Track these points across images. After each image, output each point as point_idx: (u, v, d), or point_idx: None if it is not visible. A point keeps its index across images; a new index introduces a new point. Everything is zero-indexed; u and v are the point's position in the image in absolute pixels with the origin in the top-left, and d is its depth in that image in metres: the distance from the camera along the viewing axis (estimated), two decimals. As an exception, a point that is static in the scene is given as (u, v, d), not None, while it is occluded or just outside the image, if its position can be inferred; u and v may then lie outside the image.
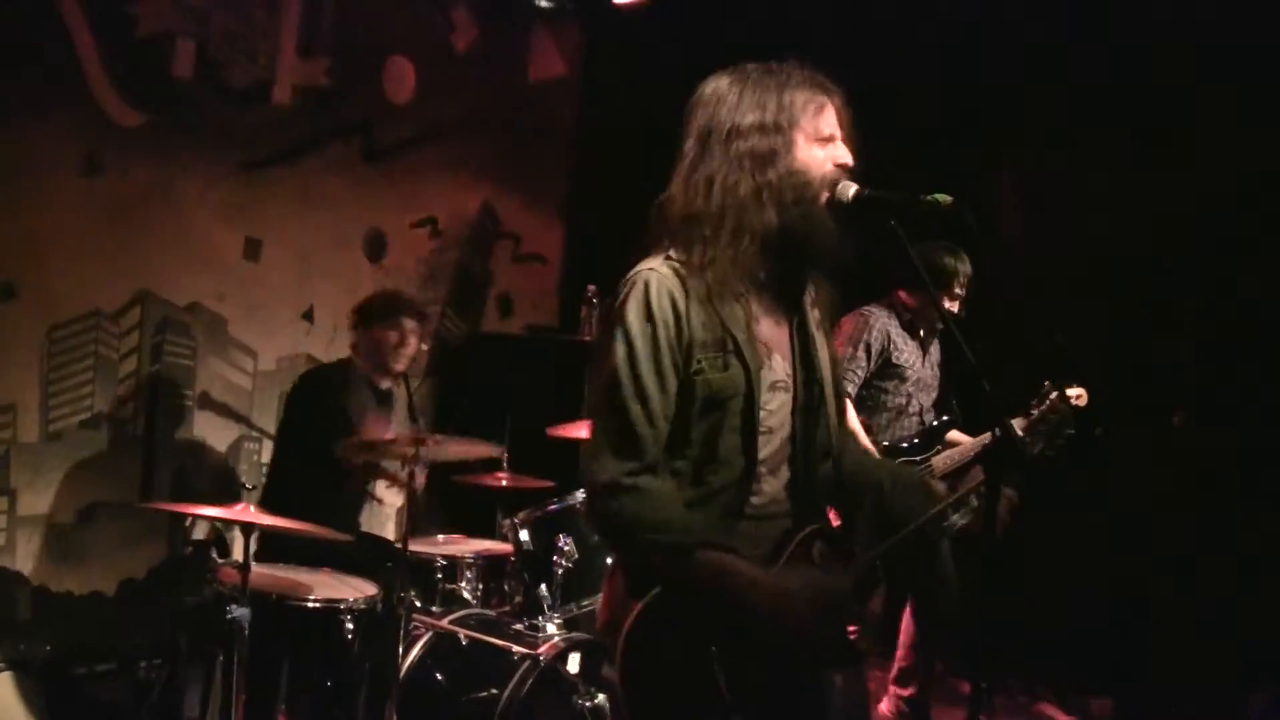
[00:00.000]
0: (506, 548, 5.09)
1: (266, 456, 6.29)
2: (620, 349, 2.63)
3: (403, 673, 4.45)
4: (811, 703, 2.77)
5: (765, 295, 2.77)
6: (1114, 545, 6.62)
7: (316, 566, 4.78)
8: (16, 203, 5.35)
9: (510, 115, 7.42)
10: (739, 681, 2.58)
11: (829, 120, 2.77)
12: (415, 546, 4.93)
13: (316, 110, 6.44)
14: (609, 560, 2.84)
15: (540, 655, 4.44)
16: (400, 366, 5.60)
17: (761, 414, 2.70)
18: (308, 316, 6.46)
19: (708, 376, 2.65)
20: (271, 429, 6.26)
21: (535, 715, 4.42)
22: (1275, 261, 6.08)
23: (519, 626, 4.70)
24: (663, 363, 2.62)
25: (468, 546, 5.34)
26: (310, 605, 4.42)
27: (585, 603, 4.71)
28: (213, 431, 6.10)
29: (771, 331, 2.78)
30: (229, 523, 5.12)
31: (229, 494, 6.03)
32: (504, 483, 5.42)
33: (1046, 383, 5.65)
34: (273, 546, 4.87)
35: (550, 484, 5.46)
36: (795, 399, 2.78)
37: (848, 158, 2.78)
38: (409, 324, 5.56)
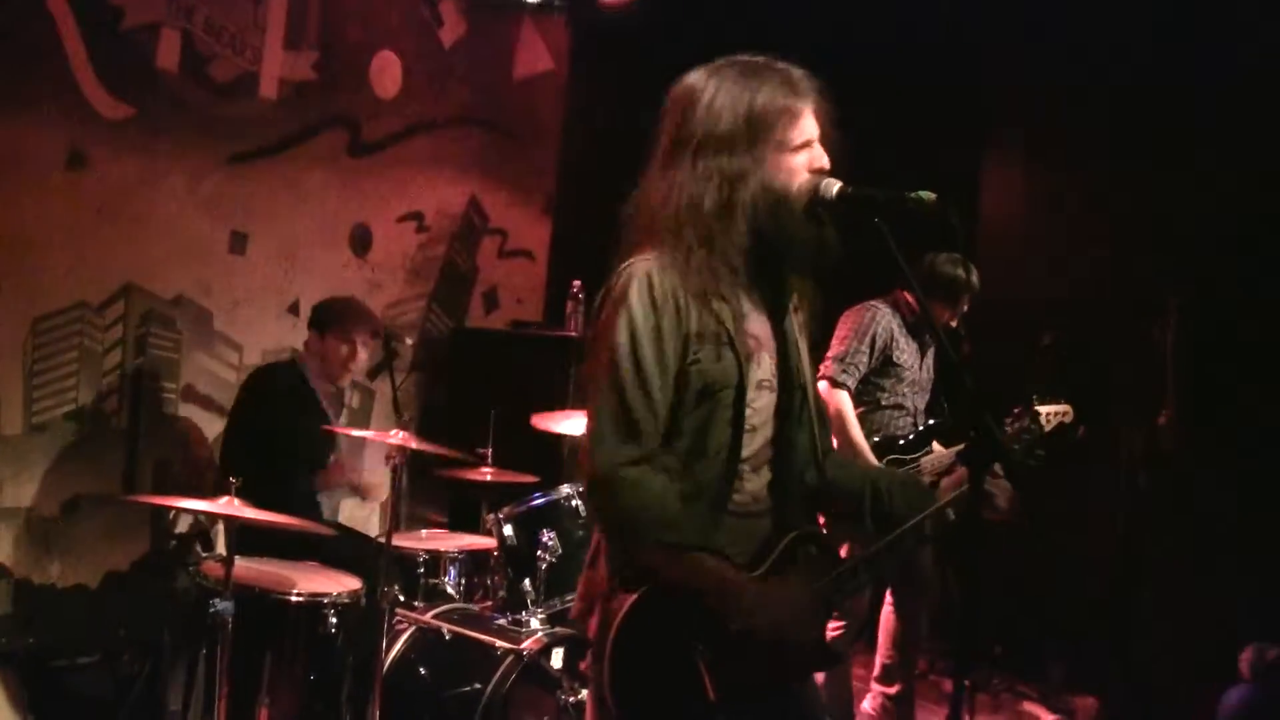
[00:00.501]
0: (490, 542, 5.09)
1: (251, 450, 6.28)
2: (624, 336, 2.61)
3: (386, 667, 4.44)
4: (794, 701, 2.79)
5: (752, 294, 2.78)
6: (1100, 544, 6.64)
7: (300, 560, 4.78)
8: (1, 194, 5.33)
9: (497, 111, 7.42)
10: (724, 679, 2.58)
11: (804, 127, 2.75)
12: (399, 541, 4.93)
13: (303, 104, 6.43)
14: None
15: (524, 650, 4.44)
16: (344, 381, 5.65)
17: (747, 410, 2.71)
18: (293, 310, 6.44)
19: (703, 366, 2.65)
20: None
21: (518, 710, 4.43)
22: (1275, 261, 6.10)
23: (502, 621, 4.70)
24: (665, 351, 2.62)
25: (451, 541, 5.34)
26: (293, 599, 4.41)
27: (569, 597, 4.71)
28: (197, 425, 6.09)
29: (758, 330, 2.78)
30: (212, 516, 5.11)
31: (212, 488, 6.03)
32: (488, 478, 5.42)
33: (1034, 397, 5.67)
34: (252, 540, 4.86)
35: (534, 479, 5.46)
36: (779, 400, 2.79)
37: (824, 161, 2.76)
38: (361, 338, 5.53)
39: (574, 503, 4.93)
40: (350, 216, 6.76)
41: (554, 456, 6.05)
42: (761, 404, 2.75)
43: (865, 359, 5.51)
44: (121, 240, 5.74)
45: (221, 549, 4.14)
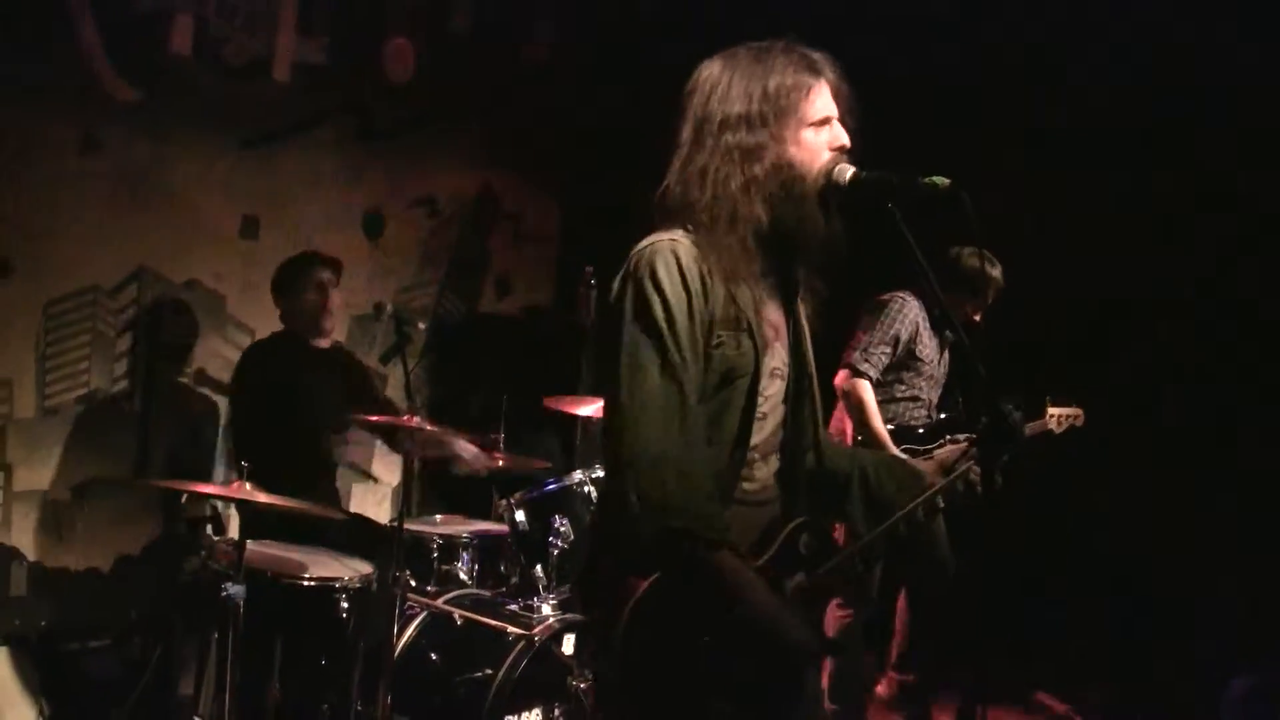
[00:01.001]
0: (502, 528, 5.09)
1: (262, 434, 6.29)
2: (659, 312, 2.56)
3: (397, 652, 4.45)
4: (799, 688, 2.78)
5: (767, 280, 2.77)
6: (1112, 534, 6.63)
7: (311, 545, 4.78)
8: (14, 179, 5.33)
9: (509, 96, 7.40)
10: (732, 668, 2.58)
11: (821, 103, 2.74)
12: (411, 526, 4.93)
13: (315, 89, 6.42)
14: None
15: (535, 636, 4.44)
16: (330, 323, 5.66)
17: (759, 399, 2.69)
18: (305, 295, 6.43)
19: (726, 352, 2.63)
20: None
21: (530, 695, 4.43)
22: (1275, 261, 6.08)
23: (514, 607, 4.70)
24: (696, 332, 2.59)
25: (464, 527, 5.34)
26: (305, 584, 4.42)
27: (581, 583, 4.71)
28: (209, 409, 6.09)
29: (774, 317, 2.78)
30: (224, 500, 5.11)
31: (224, 471, 6.05)
32: (500, 463, 5.41)
33: (1047, 398, 5.66)
34: (263, 523, 4.87)
35: (547, 465, 5.46)
36: (788, 387, 2.79)
37: (844, 139, 2.75)
38: (324, 275, 5.60)
39: (586, 489, 4.92)
40: (362, 202, 6.75)
41: (566, 442, 6.05)
42: (773, 391, 2.75)
43: (889, 350, 5.48)
44: (134, 224, 5.74)
45: (233, 533, 4.13)
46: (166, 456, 5.90)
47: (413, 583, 4.79)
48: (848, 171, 2.70)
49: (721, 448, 2.65)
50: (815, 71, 2.75)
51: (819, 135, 2.73)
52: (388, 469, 6.67)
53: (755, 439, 2.70)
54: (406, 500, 4.80)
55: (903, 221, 2.67)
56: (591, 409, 5.47)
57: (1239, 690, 5.11)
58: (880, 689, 5.93)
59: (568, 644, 4.51)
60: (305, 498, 4.45)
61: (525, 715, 4.44)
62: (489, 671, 4.40)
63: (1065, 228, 6.53)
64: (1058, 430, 5.66)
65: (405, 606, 4.57)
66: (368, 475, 5.85)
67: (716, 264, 2.64)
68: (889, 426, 5.44)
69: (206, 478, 5.94)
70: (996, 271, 5.56)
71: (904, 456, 5.17)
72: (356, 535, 4.98)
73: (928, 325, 5.57)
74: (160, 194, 5.82)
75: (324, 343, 5.65)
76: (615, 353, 2.60)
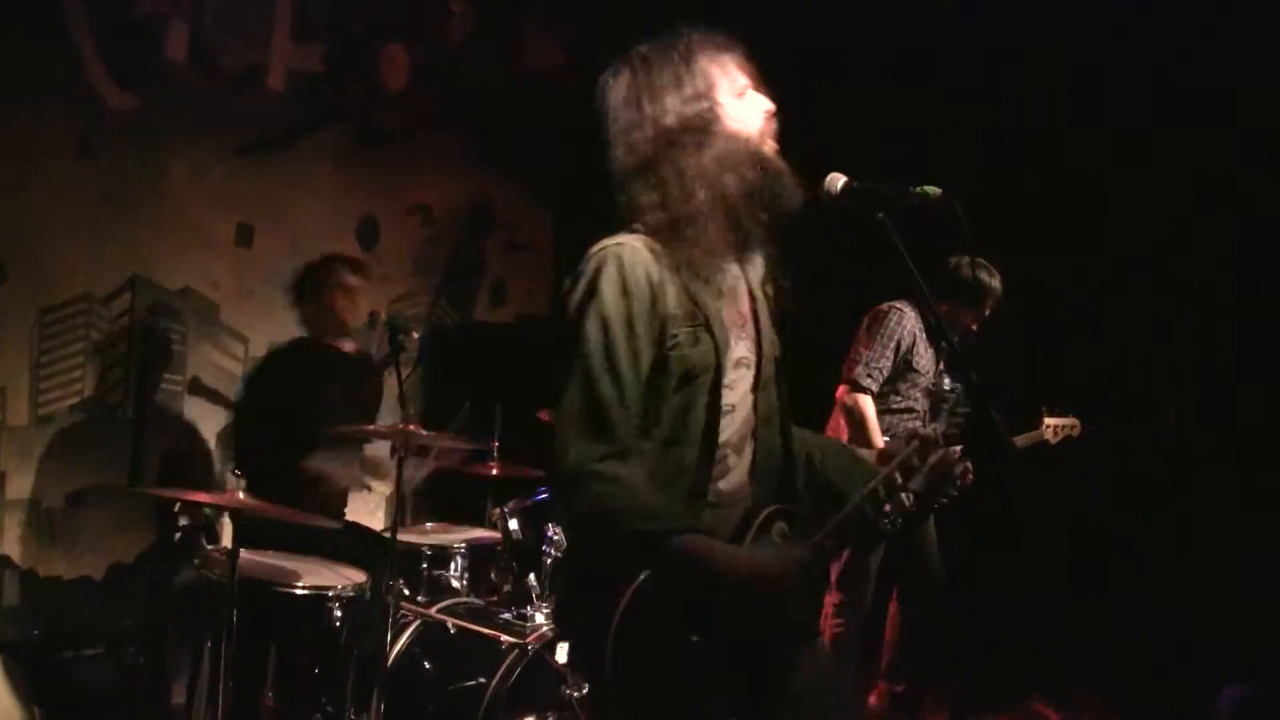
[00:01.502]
0: (495, 536, 5.08)
1: (257, 442, 6.29)
2: (593, 327, 2.58)
3: (390, 661, 4.44)
4: (797, 681, 2.75)
5: (728, 270, 2.76)
6: (1105, 540, 6.63)
7: (305, 554, 4.77)
8: (8, 185, 5.33)
9: (505, 104, 7.40)
10: (725, 663, 2.57)
11: (738, 73, 2.78)
12: (404, 535, 4.92)
13: (311, 96, 6.42)
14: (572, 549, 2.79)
15: (528, 644, 4.44)
16: (359, 320, 5.70)
17: (725, 392, 2.69)
18: (300, 303, 6.43)
19: (684, 352, 2.62)
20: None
21: (523, 704, 4.42)
22: (1274, 259, 6.09)
23: (507, 615, 4.69)
24: (638, 342, 2.58)
25: (457, 535, 5.33)
26: (298, 592, 4.41)
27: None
28: (203, 417, 6.08)
29: (735, 307, 2.77)
30: (218, 508, 5.10)
31: (218, 480, 6.04)
32: (494, 471, 5.41)
33: (1043, 409, 5.65)
34: (257, 532, 4.86)
35: (540, 473, 5.45)
36: (756, 376, 2.78)
37: (768, 103, 2.78)
38: (344, 277, 5.58)
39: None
40: (357, 209, 6.75)
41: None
42: (739, 383, 2.74)
43: (889, 363, 5.47)
44: (128, 231, 5.74)
45: (226, 541, 4.13)
46: (160, 464, 5.89)
47: (406, 591, 4.78)
48: (839, 181, 2.71)
49: (686, 447, 2.64)
50: (727, 46, 2.80)
51: (745, 103, 2.76)
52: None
53: (725, 434, 2.69)
54: (400, 509, 4.79)
55: (894, 232, 2.67)
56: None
57: (1232, 698, 5.11)
58: (871, 699, 5.93)
59: (561, 653, 4.50)
60: (312, 508, 4.45)
61: (518, 724, 4.44)
62: (482, 680, 4.39)
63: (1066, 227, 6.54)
64: (1054, 441, 5.65)
65: (398, 615, 4.57)
66: (362, 485, 5.84)
67: (673, 262, 2.64)
68: (884, 438, 5.43)
69: (200, 486, 5.93)
70: (995, 282, 5.55)
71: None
72: (349, 543, 4.97)
73: (924, 336, 5.56)
74: (155, 201, 5.82)
75: (348, 345, 5.64)
76: (564, 363, 2.62)
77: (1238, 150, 6.18)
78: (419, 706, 4.50)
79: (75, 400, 5.62)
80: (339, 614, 4.45)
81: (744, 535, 2.68)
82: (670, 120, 2.71)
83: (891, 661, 5.87)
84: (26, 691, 4.87)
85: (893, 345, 5.46)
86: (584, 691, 4.32)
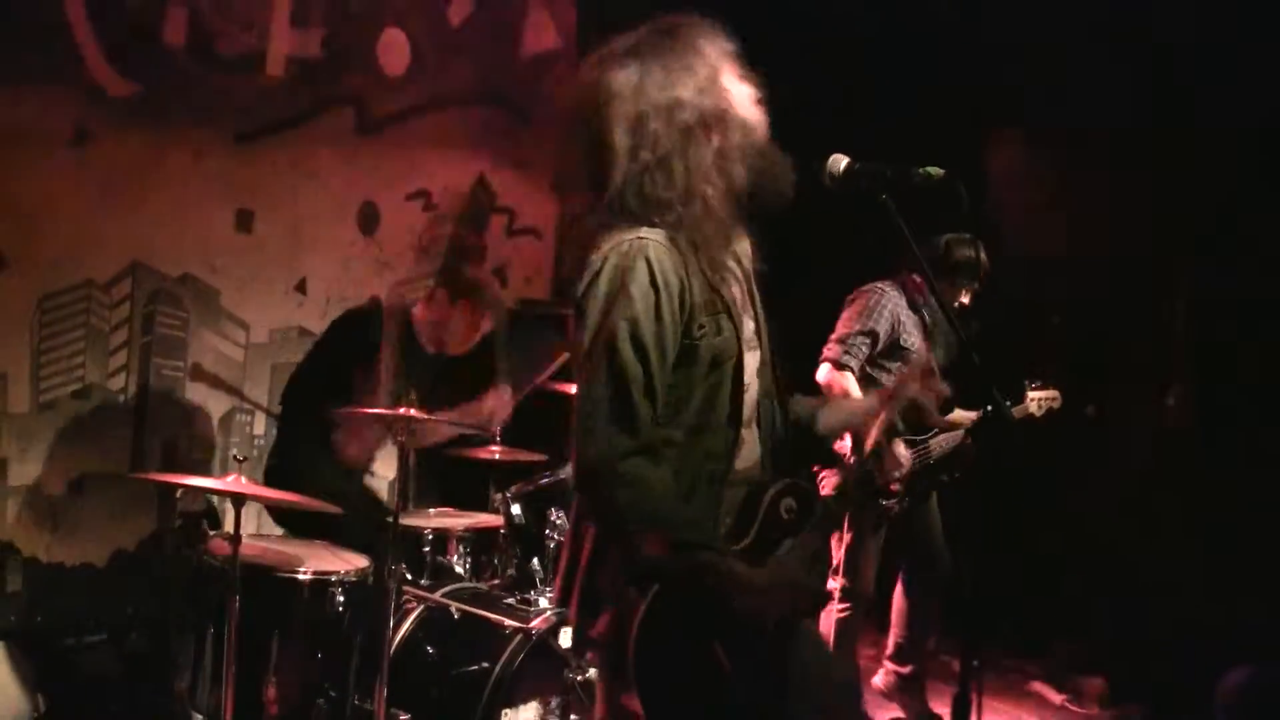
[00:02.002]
0: (498, 521, 5.08)
1: (259, 429, 6.28)
2: (623, 320, 2.56)
3: (394, 646, 4.44)
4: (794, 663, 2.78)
5: (730, 254, 2.77)
6: (1107, 525, 6.64)
7: (308, 538, 4.78)
8: (7, 172, 5.32)
9: (505, 89, 7.38)
10: (740, 663, 2.59)
11: (732, 66, 2.78)
12: (407, 520, 4.92)
13: (310, 81, 6.40)
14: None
15: (532, 629, 4.44)
16: (454, 350, 5.51)
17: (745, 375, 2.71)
18: (300, 289, 6.43)
19: (710, 340, 2.63)
20: (264, 401, 6.26)
21: (526, 689, 4.43)
22: (1273, 254, 6.09)
23: (511, 600, 4.69)
24: (665, 335, 2.58)
25: (460, 520, 5.33)
26: (301, 577, 4.41)
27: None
28: (204, 403, 6.08)
29: (738, 289, 2.78)
30: (220, 494, 5.11)
31: (220, 466, 6.04)
32: (497, 456, 5.40)
33: (1026, 382, 5.65)
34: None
35: (543, 458, 5.45)
36: (760, 355, 2.80)
37: (756, 90, 2.78)
38: (487, 318, 5.48)
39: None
40: (357, 194, 6.73)
41: (563, 435, 6.03)
42: (749, 362, 2.75)
43: (868, 341, 5.45)
44: (128, 218, 5.73)
45: (229, 527, 4.12)
46: (162, 451, 5.89)
47: (409, 576, 4.78)
48: (842, 162, 2.71)
49: (715, 431, 2.66)
50: (719, 34, 2.79)
51: (740, 85, 2.76)
52: (383, 462, 6.65)
53: (744, 414, 2.72)
54: (403, 493, 4.79)
55: (898, 213, 2.67)
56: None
57: (1235, 682, 5.10)
58: (877, 680, 5.94)
59: (564, 637, 4.50)
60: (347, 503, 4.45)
61: (522, 708, 4.44)
62: (486, 665, 4.39)
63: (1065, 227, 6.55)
64: (1038, 414, 5.65)
65: (402, 600, 4.57)
66: (365, 470, 5.84)
67: (693, 251, 2.64)
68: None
69: (202, 472, 5.93)
70: (982, 255, 5.52)
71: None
72: (352, 528, 4.97)
73: (910, 314, 5.56)
74: (154, 188, 5.81)
75: (433, 347, 5.53)
76: (587, 363, 2.60)
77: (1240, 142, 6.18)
78: (422, 692, 4.50)
79: (76, 387, 5.61)
80: (342, 600, 4.45)
81: (752, 518, 2.69)
82: (686, 112, 2.67)
83: (898, 644, 5.88)
84: (29, 678, 4.89)
85: (870, 324, 5.44)
86: (588, 675, 4.33)
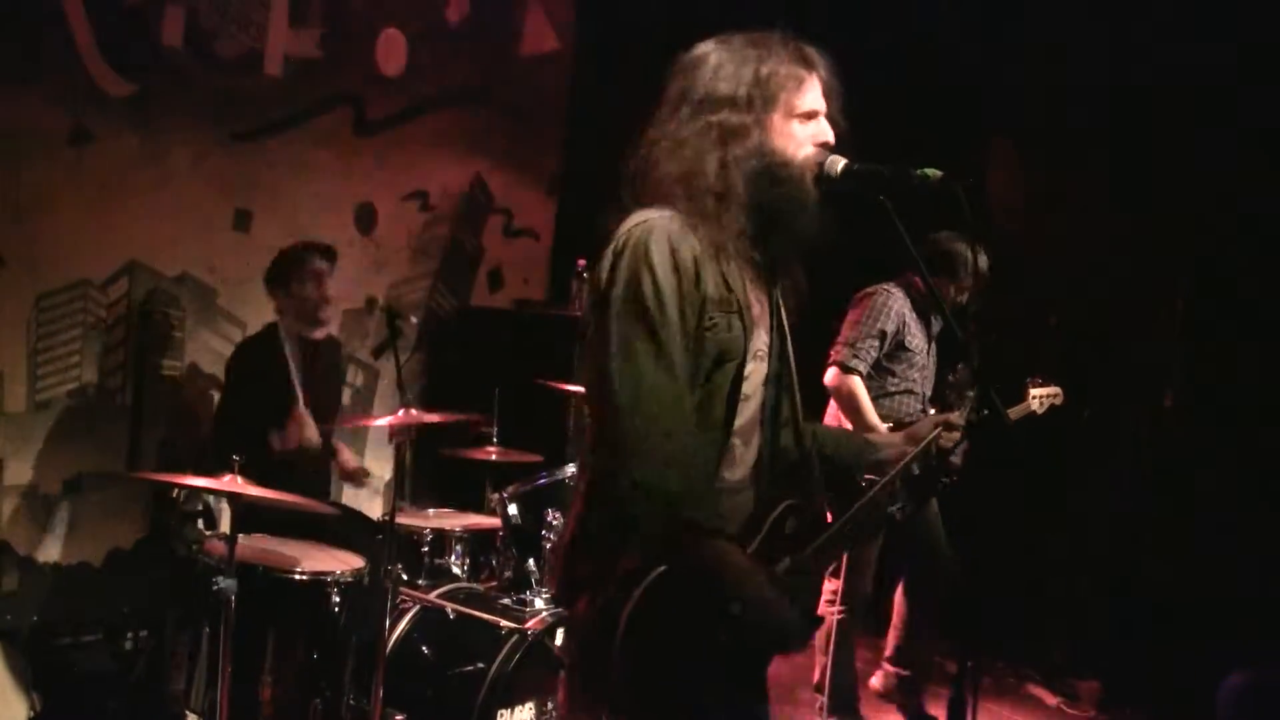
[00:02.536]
0: (495, 522, 5.08)
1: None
2: (651, 297, 2.53)
3: (389, 646, 4.44)
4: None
5: (751, 261, 2.73)
6: (1104, 526, 6.64)
7: (303, 538, 4.77)
8: (4, 171, 5.32)
9: (502, 89, 7.39)
10: (735, 654, 2.58)
11: (810, 96, 2.73)
12: (403, 520, 4.92)
13: (307, 81, 6.41)
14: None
15: (528, 630, 4.44)
16: (327, 312, 5.57)
17: (743, 381, 2.68)
18: (297, 288, 6.42)
19: (719, 334, 2.61)
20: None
21: (522, 689, 4.42)
22: (1272, 253, 6.09)
23: (506, 601, 4.70)
24: (687, 316, 2.56)
25: (456, 520, 5.33)
26: (297, 578, 4.41)
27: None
28: (201, 402, 6.08)
29: (758, 298, 2.75)
30: (216, 493, 5.10)
31: (216, 465, 6.03)
32: (493, 457, 5.41)
33: (1028, 379, 5.65)
34: (256, 516, 4.86)
35: (539, 458, 5.46)
36: (769, 369, 2.77)
37: (829, 135, 2.74)
38: (315, 266, 5.49)
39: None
40: (354, 195, 6.74)
41: (559, 436, 6.04)
42: (755, 373, 2.73)
43: (876, 344, 5.45)
44: (125, 217, 5.72)
45: (225, 527, 4.12)
46: (158, 450, 5.89)
47: (405, 576, 4.78)
48: (839, 163, 2.69)
49: (709, 433, 2.63)
50: (809, 65, 2.74)
51: (804, 128, 2.72)
52: (379, 463, 6.66)
53: (738, 422, 2.68)
54: (399, 494, 4.79)
55: (896, 214, 2.67)
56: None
57: (1235, 685, 5.11)
58: (875, 682, 5.94)
59: (560, 637, 4.50)
60: (296, 493, 4.43)
61: (518, 709, 4.44)
62: (482, 665, 4.39)
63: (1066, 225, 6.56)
64: (1040, 411, 5.64)
65: (398, 600, 4.56)
66: (343, 474, 5.85)
67: (709, 241, 2.62)
68: (887, 425, 5.40)
69: (198, 471, 5.92)
70: (968, 251, 5.50)
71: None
72: (348, 529, 4.97)
73: (914, 315, 5.56)
74: (152, 187, 5.81)
75: (319, 334, 5.61)
76: (606, 340, 2.56)
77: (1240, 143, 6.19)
78: (418, 692, 4.50)
79: (73, 386, 5.61)
80: (338, 599, 4.45)
81: (756, 531, 2.68)
82: (713, 111, 2.68)
83: (897, 646, 5.88)
84: (25, 678, 4.88)
85: (879, 327, 5.45)
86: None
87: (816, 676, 5.65)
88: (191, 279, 6.01)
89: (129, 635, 5.33)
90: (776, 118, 2.70)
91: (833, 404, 5.56)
